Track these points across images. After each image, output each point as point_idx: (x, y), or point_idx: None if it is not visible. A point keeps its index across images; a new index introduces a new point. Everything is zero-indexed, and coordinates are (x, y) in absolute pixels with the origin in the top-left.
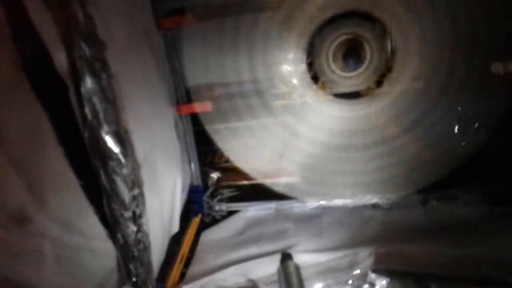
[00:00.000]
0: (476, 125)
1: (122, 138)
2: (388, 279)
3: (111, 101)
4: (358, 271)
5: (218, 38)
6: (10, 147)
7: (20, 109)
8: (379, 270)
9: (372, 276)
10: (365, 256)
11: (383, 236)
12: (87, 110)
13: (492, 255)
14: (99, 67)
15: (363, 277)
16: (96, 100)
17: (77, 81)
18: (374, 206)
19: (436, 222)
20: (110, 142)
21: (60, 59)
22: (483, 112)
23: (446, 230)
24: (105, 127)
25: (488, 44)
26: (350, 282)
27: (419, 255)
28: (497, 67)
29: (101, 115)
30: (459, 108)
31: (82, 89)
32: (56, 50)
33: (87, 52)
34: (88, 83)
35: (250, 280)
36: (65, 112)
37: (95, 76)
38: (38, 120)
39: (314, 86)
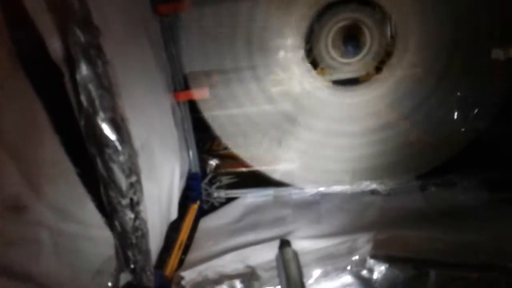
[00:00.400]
0: (476, 111)
1: (118, 125)
2: (386, 265)
3: (107, 88)
4: (356, 257)
5: (216, 24)
6: (5, 136)
7: (15, 97)
8: (377, 256)
9: (371, 262)
10: (364, 242)
11: (382, 222)
12: (83, 98)
13: (491, 241)
14: (95, 53)
15: (361, 263)
16: (91, 87)
17: (72, 68)
18: (373, 192)
19: (435, 208)
20: (106, 129)
21: (55, 46)
22: (482, 98)
23: (445, 216)
24: (101, 114)
25: (488, 30)
26: (348, 268)
27: (418, 241)
28: (497, 54)
29: (97, 102)
30: (458, 94)
31: (77, 76)
32: (50, 37)
33: (82, 39)
34: (84, 70)
35: (248, 267)
36: (60, 100)
37: (91, 63)
38: (33, 108)
39: (313, 72)
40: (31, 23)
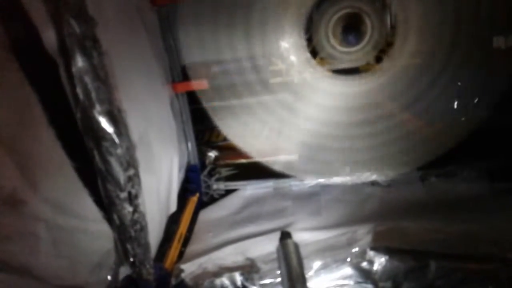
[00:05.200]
0: (476, 100)
1: (115, 117)
2: (386, 257)
3: (103, 79)
4: (356, 249)
5: (214, 13)
6: (0, 129)
7: (9, 90)
8: (377, 247)
9: (371, 253)
10: (364, 233)
11: (382, 213)
12: (79, 90)
13: (492, 232)
14: (90, 44)
15: (361, 255)
16: (87, 79)
17: (68, 59)
18: (373, 183)
19: (436, 199)
20: (103, 122)
21: (50, 37)
22: (483, 88)
23: (446, 207)
24: (98, 107)
25: (489, 19)
26: (348, 259)
27: (418, 232)
28: (498, 42)
29: (93, 95)
30: (459, 84)
31: (73, 68)
32: (45, 28)
33: (77, 30)
34: (79, 61)
35: (248, 259)
36: (56, 92)
37: (86, 54)
38: (28, 101)
39: (313, 62)
40: (25, 14)
